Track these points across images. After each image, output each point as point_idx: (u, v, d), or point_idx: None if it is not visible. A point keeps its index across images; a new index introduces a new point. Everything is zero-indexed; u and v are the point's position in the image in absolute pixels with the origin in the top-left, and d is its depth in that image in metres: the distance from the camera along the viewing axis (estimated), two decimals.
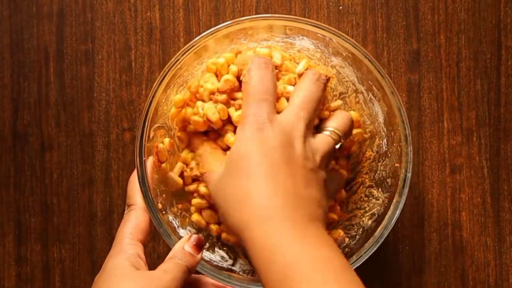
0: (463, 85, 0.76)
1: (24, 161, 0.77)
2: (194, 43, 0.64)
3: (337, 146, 0.63)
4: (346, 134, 0.64)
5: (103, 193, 0.76)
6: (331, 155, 0.64)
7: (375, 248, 0.64)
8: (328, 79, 0.64)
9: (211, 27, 0.75)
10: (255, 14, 0.76)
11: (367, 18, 0.76)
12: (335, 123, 0.63)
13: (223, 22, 0.75)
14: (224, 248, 0.68)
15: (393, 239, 0.75)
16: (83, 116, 0.76)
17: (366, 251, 0.65)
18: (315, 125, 0.63)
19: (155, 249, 0.76)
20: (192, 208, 0.67)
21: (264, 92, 0.61)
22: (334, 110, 0.65)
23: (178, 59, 0.64)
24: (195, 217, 0.66)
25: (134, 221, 0.63)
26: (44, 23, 0.76)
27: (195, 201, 0.65)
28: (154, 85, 0.64)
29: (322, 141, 0.62)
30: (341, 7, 0.76)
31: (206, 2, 0.76)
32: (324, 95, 0.64)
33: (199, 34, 0.75)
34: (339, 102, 0.67)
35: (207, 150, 0.64)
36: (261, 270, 0.54)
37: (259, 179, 0.57)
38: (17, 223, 0.77)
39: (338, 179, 0.67)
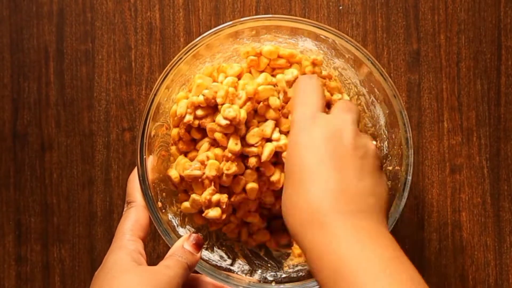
0: (463, 85, 0.76)
1: (24, 161, 0.77)
2: (197, 42, 0.64)
3: (374, 143, 0.63)
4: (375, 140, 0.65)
5: (103, 193, 0.76)
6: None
7: None
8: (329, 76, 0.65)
9: (211, 27, 0.75)
10: (255, 14, 0.76)
11: (367, 18, 0.76)
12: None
13: (223, 22, 0.75)
14: (223, 248, 0.68)
15: None
16: (83, 116, 0.76)
17: None
18: None
19: (155, 249, 0.76)
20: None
21: (310, 90, 0.61)
22: None
23: (180, 58, 0.64)
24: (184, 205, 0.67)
25: (134, 218, 0.63)
26: (44, 23, 0.76)
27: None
28: (156, 83, 0.64)
29: (365, 138, 0.61)
30: (341, 7, 0.76)
31: (206, 2, 0.76)
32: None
33: (199, 34, 0.76)
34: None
35: None
36: (315, 269, 0.54)
37: (308, 178, 0.56)
38: (17, 223, 0.77)
39: None
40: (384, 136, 0.67)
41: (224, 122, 0.62)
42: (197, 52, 0.64)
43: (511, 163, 0.76)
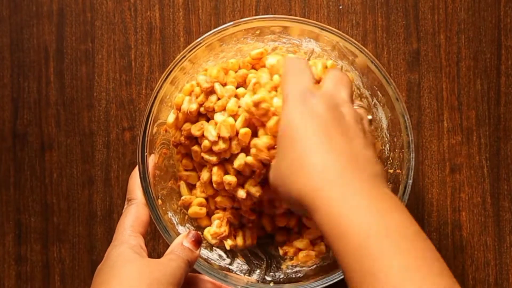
0: (463, 84, 0.76)
1: (24, 161, 0.77)
2: (201, 41, 0.64)
3: (369, 117, 0.62)
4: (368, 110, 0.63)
5: (103, 193, 0.76)
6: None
7: None
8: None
9: (211, 27, 0.75)
10: (255, 13, 0.76)
11: (367, 17, 0.76)
12: (358, 103, 0.63)
13: (223, 22, 0.76)
14: (222, 247, 0.68)
15: None
16: (83, 115, 0.76)
17: None
18: None
19: (155, 248, 0.76)
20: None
21: (299, 68, 0.59)
22: None
23: (184, 56, 0.64)
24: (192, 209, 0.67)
25: (135, 214, 0.63)
26: (44, 23, 0.76)
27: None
28: (159, 80, 0.64)
29: (359, 110, 0.60)
30: (341, 7, 0.76)
31: (206, 2, 0.76)
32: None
33: (199, 33, 0.76)
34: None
35: None
36: (335, 243, 0.52)
37: (313, 145, 0.54)
38: (17, 223, 0.77)
39: None
40: (386, 139, 0.67)
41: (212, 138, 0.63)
42: (200, 51, 0.65)
43: (511, 163, 0.76)
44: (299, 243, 0.68)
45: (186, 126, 0.65)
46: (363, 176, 0.53)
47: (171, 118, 0.66)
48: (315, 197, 0.53)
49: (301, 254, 0.67)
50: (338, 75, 0.60)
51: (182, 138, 0.66)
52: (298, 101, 0.57)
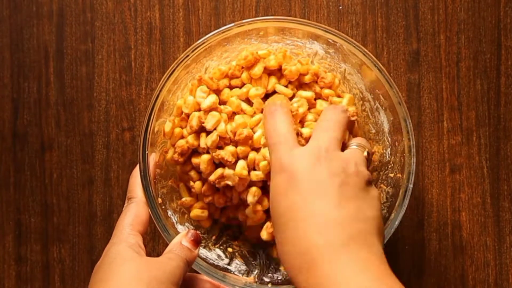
0: (463, 85, 0.76)
1: (24, 161, 0.77)
2: (204, 41, 0.64)
3: (365, 154, 0.62)
4: (369, 150, 0.63)
5: (103, 193, 0.76)
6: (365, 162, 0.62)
7: None
8: (356, 114, 0.64)
9: (211, 27, 0.75)
10: (255, 14, 0.76)
11: (367, 18, 0.76)
12: (356, 141, 0.63)
13: (223, 22, 0.76)
14: (221, 247, 0.68)
15: (393, 239, 0.75)
16: (83, 116, 0.76)
17: None
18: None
19: (154, 248, 0.76)
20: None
21: (276, 136, 0.60)
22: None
23: (187, 55, 0.64)
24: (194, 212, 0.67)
25: (134, 212, 0.63)
26: (44, 23, 0.76)
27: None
28: (161, 81, 0.64)
29: (351, 153, 0.60)
30: (341, 7, 0.76)
31: (206, 2, 0.76)
32: (351, 123, 0.64)
33: (199, 34, 0.76)
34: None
35: None
36: None
37: (287, 226, 0.56)
38: (17, 223, 0.77)
39: None
40: (387, 143, 0.67)
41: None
42: (203, 50, 0.65)
43: (510, 163, 0.75)
44: None
45: (180, 142, 0.66)
46: (332, 243, 0.54)
47: (167, 126, 0.66)
48: (293, 278, 0.55)
49: None
50: (331, 116, 0.61)
51: (176, 155, 0.66)
52: (275, 173, 0.59)
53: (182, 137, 0.66)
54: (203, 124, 0.64)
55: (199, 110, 0.65)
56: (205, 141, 0.64)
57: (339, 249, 0.54)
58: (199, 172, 0.66)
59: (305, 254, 0.54)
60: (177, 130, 0.66)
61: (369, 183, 0.59)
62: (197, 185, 0.66)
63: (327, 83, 0.67)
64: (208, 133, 0.64)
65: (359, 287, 0.52)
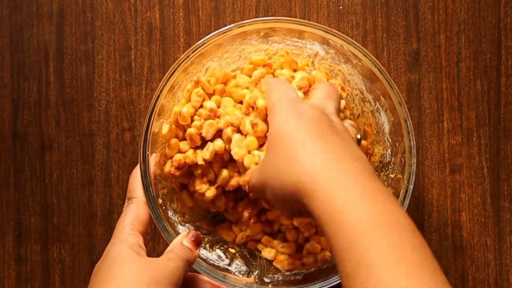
0: (463, 85, 0.76)
1: (24, 161, 0.77)
2: (205, 42, 0.64)
3: (358, 136, 0.62)
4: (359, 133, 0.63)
5: (103, 193, 0.76)
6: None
7: None
8: (342, 88, 0.64)
9: (211, 27, 0.75)
10: (255, 14, 0.76)
11: (367, 18, 0.76)
12: (348, 121, 0.64)
13: (223, 22, 0.75)
14: (221, 248, 0.68)
15: None
16: (83, 116, 0.76)
17: None
18: None
19: (154, 248, 0.76)
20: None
21: (282, 83, 0.61)
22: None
23: (188, 56, 0.64)
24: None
25: (135, 213, 0.63)
26: (44, 23, 0.76)
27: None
28: (161, 81, 0.64)
29: (348, 127, 0.61)
30: (341, 7, 0.76)
31: (206, 2, 0.76)
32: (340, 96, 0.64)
33: (199, 34, 0.76)
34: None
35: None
36: (328, 230, 0.52)
37: (308, 140, 0.55)
38: (17, 223, 0.77)
39: None
40: (388, 143, 0.67)
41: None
42: (205, 51, 0.65)
43: (511, 163, 0.75)
44: (279, 247, 0.68)
45: (177, 157, 0.66)
46: (358, 169, 0.53)
47: (165, 128, 0.66)
48: (311, 185, 0.53)
49: (280, 257, 0.68)
50: (327, 88, 0.61)
51: (172, 168, 0.66)
52: (287, 107, 0.57)
53: (179, 150, 0.66)
54: (202, 135, 0.65)
55: (194, 114, 0.65)
56: (202, 155, 0.65)
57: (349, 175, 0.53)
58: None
59: (304, 158, 0.54)
60: (174, 141, 0.66)
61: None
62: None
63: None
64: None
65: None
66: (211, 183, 0.66)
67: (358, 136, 0.62)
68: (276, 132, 0.57)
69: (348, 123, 0.63)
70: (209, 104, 0.65)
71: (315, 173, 0.53)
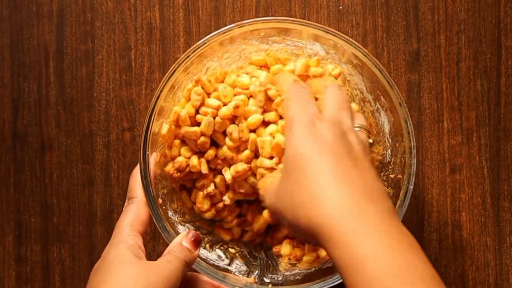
0: (463, 85, 0.76)
1: (24, 161, 0.77)
2: (205, 42, 0.64)
3: (370, 141, 0.62)
4: (369, 131, 0.63)
5: (103, 193, 0.76)
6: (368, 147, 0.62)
7: None
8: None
9: (211, 27, 0.75)
10: (255, 14, 0.76)
11: (367, 18, 0.76)
12: (358, 122, 0.63)
13: (223, 22, 0.75)
14: (221, 248, 0.68)
15: None
16: (83, 116, 0.76)
17: None
18: None
19: (154, 248, 0.76)
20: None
21: (303, 95, 0.60)
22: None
23: (188, 55, 0.64)
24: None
25: (135, 213, 0.63)
26: (44, 23, 0.76)
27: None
28: (162, 81, 0.64)
29: (361, 135, 0.60)
30: (341, 7, 0.76)
31: (206, 2, 0.76)
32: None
33: (199, 34, 0.76)
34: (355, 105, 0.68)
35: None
36: (348, 275, 0.51)
37: (327, 175, 0.54)
38: (17, 223, 0.77)
39: None
40: (388, 144, 0.67)
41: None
42: (205, 51, 0.65)
43: (511, 163, 0.75)
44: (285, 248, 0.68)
45: (179, 159, 0.66)
46: (378, 210, 0.53)
47: (164, 129, 0.66)
48: (329, 228, 0.52)
49: (285, 251, 0.68)
50: (339, 96, 0.60)
51: (172, 169, 0.66)
52: (305, 126, 0.57)
53: (179, 153, 0.66)
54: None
55: (195, 114, 0.65)
56: (226, 177, 0.66)
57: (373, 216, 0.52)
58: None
59: (323, 197, 0.53)
60: (177, 141, 0.66)
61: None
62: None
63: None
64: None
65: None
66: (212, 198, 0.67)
67: (370, 141, 0.62)
68: (293, 154, 0.56)
69: (358, 125, 0.62)
70: (212, 101, 0.65)
71: (336, 217, 0.52)
